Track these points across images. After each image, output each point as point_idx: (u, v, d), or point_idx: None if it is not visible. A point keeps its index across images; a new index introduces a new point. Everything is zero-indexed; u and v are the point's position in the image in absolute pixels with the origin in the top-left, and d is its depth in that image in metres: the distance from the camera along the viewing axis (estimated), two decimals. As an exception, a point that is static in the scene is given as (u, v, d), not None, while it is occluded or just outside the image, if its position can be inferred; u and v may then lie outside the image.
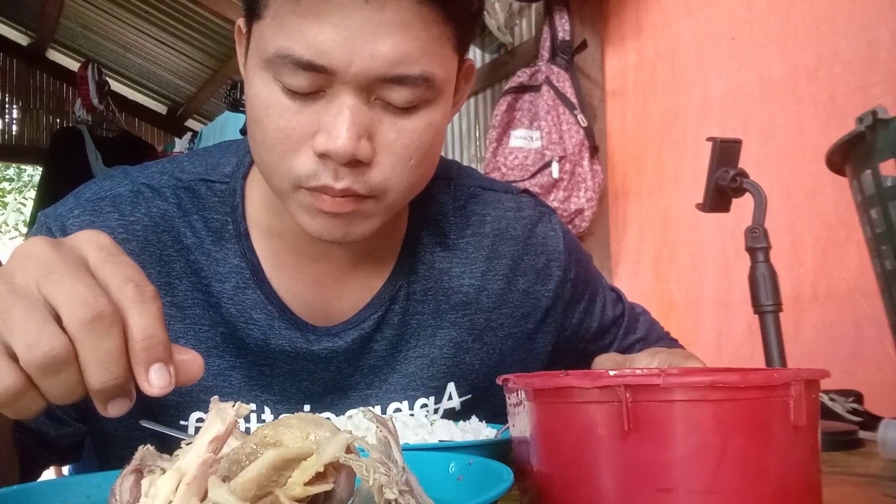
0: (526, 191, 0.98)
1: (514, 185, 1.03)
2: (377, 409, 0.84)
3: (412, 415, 0.85)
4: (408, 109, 0.69)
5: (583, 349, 0.98)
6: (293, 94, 0.68)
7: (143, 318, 0.45)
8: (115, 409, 0.46)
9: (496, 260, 0.90)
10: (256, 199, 0.83)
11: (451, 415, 0.88)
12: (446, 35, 0.69)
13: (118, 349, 0.45)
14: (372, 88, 0.67)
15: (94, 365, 0.44)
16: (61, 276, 0.45)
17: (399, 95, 0.68)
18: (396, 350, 0.85)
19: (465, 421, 0.79)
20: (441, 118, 0.73)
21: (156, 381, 0.45)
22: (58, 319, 0.45)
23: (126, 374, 0.45)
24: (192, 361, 0.48)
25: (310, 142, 0.69)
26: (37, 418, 0.78)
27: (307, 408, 0.83)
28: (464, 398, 0.88)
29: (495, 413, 0.89)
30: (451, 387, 0.87)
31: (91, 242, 0.49)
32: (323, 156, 0.68)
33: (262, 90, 0.69)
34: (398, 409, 0.85)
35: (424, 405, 0.86)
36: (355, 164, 0.69)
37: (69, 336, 0.44)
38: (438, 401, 0.87)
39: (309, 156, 0.69)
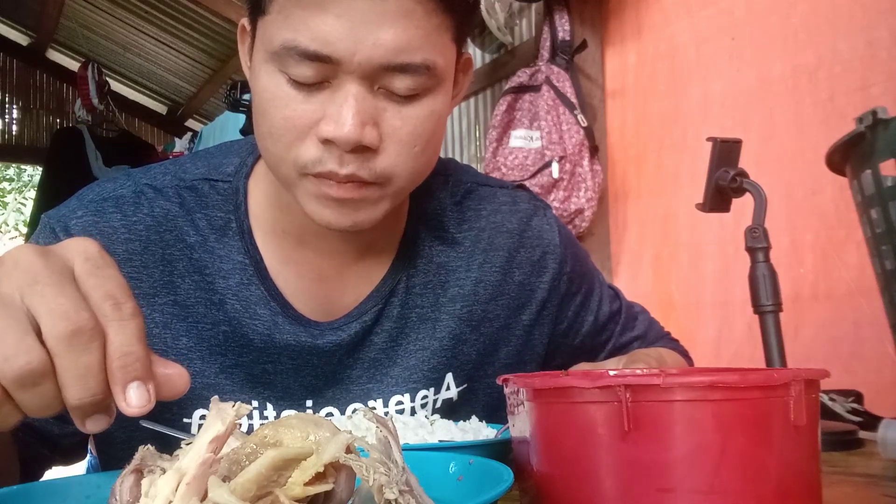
0: (521, 186, 0.99)
1: (509, 181, 1.04)
2: (379, 402, 0.85)
3: (413, 407, 0.86)
4: (410, 97, 0.71)
5: (579, 344, 0.98)
6: (299, 84, 0.70)
7: (120, 336, 0.45)
8: (93, 426, 0.46)
9: (492, 252, 0.91)
10: (259, 197, 0.84)
11: (448, 405, 0.88)
12: (445, 24, 0.71)
13: (97, 365, 0.44)
14: (375, 77, 0.69)
15: (72, 380, 0.44)
16: (45, 286, 0.45)
17: (402, 83, 0.70)
18: (397, 343, 0.86)
19: (465, 421, 0.79)
20: (442, 106, 0.75)
21: (133, 401, 0.45)
22: (39, 331, 0.44)
23: (104, 390, 0.45)
24: (177, 376, 0.48)
25: (315, 130, 0.70)
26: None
27: (309, 403, 0.84)
28: (460, 388, 0.89)
29: (492, 404, 0.90)
30: (449, 377, 0.88)
31: (79, 252, 0.48)
32: (328, 143, 0.70)
33: (269, 83, 0.71)
34: (399, 402, 0.86)
35: (424, 397, 0.87)
36: (361, 150, 0.70)
37: (48, 349, 0.44)
38: (437, 392, 0.88)
39: (314, 143, 0.71)
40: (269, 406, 0.82)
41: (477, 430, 0.78)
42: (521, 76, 2.51)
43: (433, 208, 0.91)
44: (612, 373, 0.53)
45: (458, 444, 0.68)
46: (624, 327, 1.02)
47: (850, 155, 0.82)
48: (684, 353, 1.04)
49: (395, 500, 0.40)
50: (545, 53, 2.49)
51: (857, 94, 1.61)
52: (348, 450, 0.42)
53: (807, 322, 1.67)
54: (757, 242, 0.95)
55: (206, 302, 0.81)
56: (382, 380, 0.86)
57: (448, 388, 0.88)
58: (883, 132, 0.75)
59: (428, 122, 0.73)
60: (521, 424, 0.55)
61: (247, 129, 3.54)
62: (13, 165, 10.92)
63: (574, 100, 2.38)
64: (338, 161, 0.70)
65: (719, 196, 1.02)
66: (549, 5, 2.49)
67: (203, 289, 0.81)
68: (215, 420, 0.45)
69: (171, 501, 0.43)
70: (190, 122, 6.51)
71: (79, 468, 0.97)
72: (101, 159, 4.76)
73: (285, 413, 0.82)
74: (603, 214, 2.46)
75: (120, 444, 0.81)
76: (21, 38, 6.17)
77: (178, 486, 0.43)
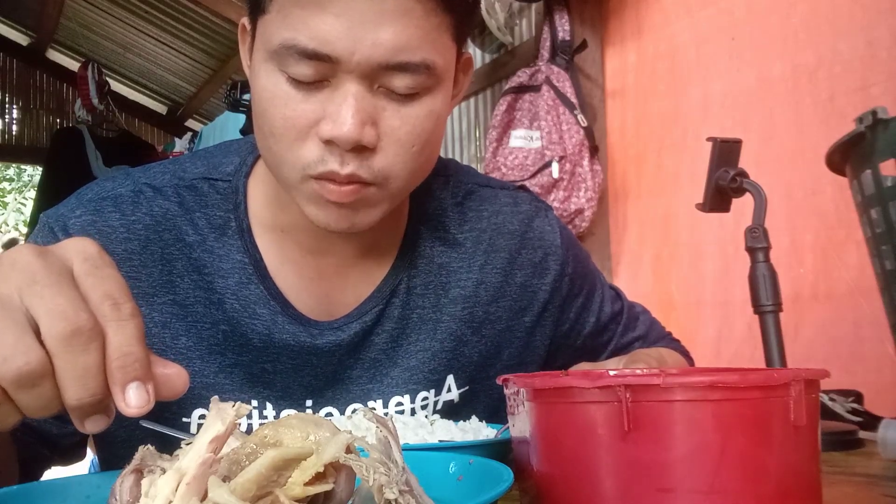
0: (522, 187, 0.99)
1: (510, 182, 1.04)
2: (379, 403, 0.85)
3: (413, 408, 0.86)
4: (410, 97, 0.71)
5: (581, 345, 0.98)
6: (298, 83, 0.70)
7: (119, 336, 0.45)
8: (92, 426, 0.46)
9: (494, 254, 0.91)
10: (259, 197, 0.84)
11: (449, 407, 0.88)
12: (445, 24, 0.71)
13: (96, 366, 0.44)
14: (375, 76, 0.69)
15: (71, 381, 0.44)
16: (43, 287, 0.45)
17: (401, 82, 0.70)
18: (397, 344, 0.86)
19: (465, 421, 0.79)
20: (442, 106, 0.74)
21: (133, 401, 0.45)
22: (38, 332, 0.44)
23: (103, 391, 0.45)
24: (176, 376, 0.48)
25: (315, 129, 0.70)
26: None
27: (309, 402, 0.84)
28: (462, 390, 0.89)
29: (493, 406, 0.90)
30: (450, 379, 0.88)
31: (78, 252, 0.48)
32: (329, 143, 0.70)
33: (268, 82, 0.71)
34: (399, 403, 0.85)
35: (425, 398, 0.87)
36: (360, 150, 0.70)
37: (47, 350, 0.44)
38: (438, 393, 0.88)
39: (315, 143, 0.71)
40: (269, 406, 0.82)
41: (477, 430, 0.77)
42: (521, 76, 2.51)
43: (434, 209, 0.91)
44: (612, 373, 0.53)
45: (458, 444, 0.68)
46: (625, 328, 1.02)
47: (850, 155, 0.82)
48: (685, 353, 1.04)
49: (395, 500, 0.40)
50: (545, 53, 2.49)
51: (857, 94, 1.61)
52: (348, 450, 0.42)
53: (807, 322, 1.67)
54: (757, 242, 0.95)
55: (205, 301, 0.81)
56: (382, 380, 0.85)
57: (449, 391, 0.88)
58: (883, 132, 0.75)
59: (427, 121, 0.73)
60: (521, 424, 0.55)
61: (247, 129, 3.54)
62: (13, 165, 10.93)
63: (574, 100, 2.38)
64: (339, 161, 0.70)
65: (719, 196, 1.02)
66: (549, 5, 2.49)
67: (202, 288, 0.81)
68: (215, 420, 0.45)
69: (171, 501, 0.43)
70: (190, 122, 6.51)
71: (78, 468, 0.97)
72: (101, 159, 4.76)
73: (285, 413, 0.82)
74: (603, 214, 2.46)
75: (120, 444, 0.81)
76: (21, 38, 6.17)
77: (178, 486, 0.43)
